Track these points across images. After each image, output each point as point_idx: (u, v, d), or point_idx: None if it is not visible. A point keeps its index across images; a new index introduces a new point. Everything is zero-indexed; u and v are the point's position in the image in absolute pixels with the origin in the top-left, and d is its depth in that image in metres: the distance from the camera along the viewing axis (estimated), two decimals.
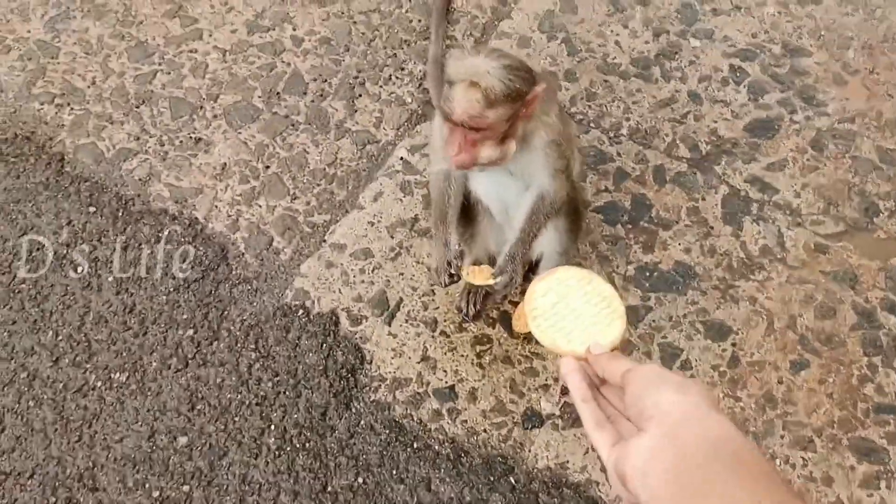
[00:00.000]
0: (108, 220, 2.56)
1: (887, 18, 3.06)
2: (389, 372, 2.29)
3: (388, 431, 2.19)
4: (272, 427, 2.19)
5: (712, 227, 2.55)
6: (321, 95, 2.86)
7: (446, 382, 2.28)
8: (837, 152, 2.72)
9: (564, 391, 2.20)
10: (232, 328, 2.36)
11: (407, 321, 2.38)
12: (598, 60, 2.94)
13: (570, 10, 3.08)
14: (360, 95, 2.87)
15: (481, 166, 1.90)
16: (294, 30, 3.04)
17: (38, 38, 3.02)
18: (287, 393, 2.24)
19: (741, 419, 2.21)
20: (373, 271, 2.48)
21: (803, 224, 2.56)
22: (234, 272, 2.47)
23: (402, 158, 2.71)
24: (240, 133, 2.77)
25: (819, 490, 2.11)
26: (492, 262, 2.30)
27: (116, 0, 3.13)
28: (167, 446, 2.17)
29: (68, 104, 2.84)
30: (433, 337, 2.35)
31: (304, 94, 2.87)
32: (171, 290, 2.43)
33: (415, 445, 2.17)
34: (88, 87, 2.89)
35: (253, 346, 2.32)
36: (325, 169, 2.70)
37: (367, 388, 2.26)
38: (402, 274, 2.47)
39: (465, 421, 2.22)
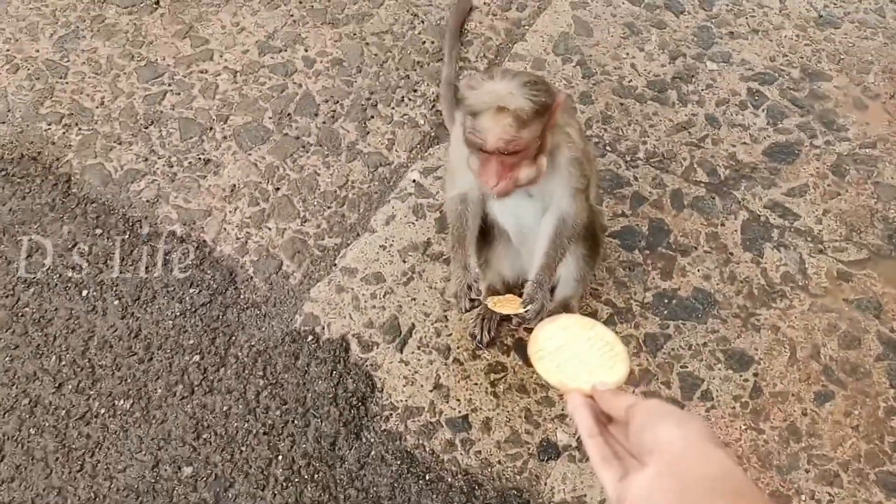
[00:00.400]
0: (114, 243, 2.51)
1: None
2: (401, 400, 2.23)
3: (399, 462, 2.13)
4: (280, 457, 2.13)
5: (732, 254, 2.49)
6: (333, 117, 2.82)
7: (460, 412, 2.21)
8: (859, 178, 2.66)
9: None
10: (239, 354, 2.30)
11: (419, 348, 2.32)
12: (614, 83, 2.90)
13: (585, 33, 3.04)
14: (373, 117, 2.83)
15: (520, 188, 1.85)
16: (306, 51, 3.00)
17: (47, 58, 2.99)
18: (295, 422, 2.18)
19: (764, 452, 2.14)
20: (384, 296, 2.42)
21: (825, 251, 2.50)
22: (242, 296, 2.42)
23: (414, 181, 2.66)
24: (250, 154, 2.73)
25: None
26: (507, 288, 2.25)
27: (126, 20, 3.10)
28: (171, 476, 2.10)
29: (76, 124, 2.80)
30: (446, 364, 2.29)
31: (316, 115, 2.83)
32: (178, 314, 2.37)
33: (427, 477, 2.11)
34: (97, 107, 2.85)
35: (261, 373, 2.26)
36: (336, 191, 2.65)
37: (378, 417, 2.20)
38: (414, 299, 2.41)
39: (479, 452, 2.15)
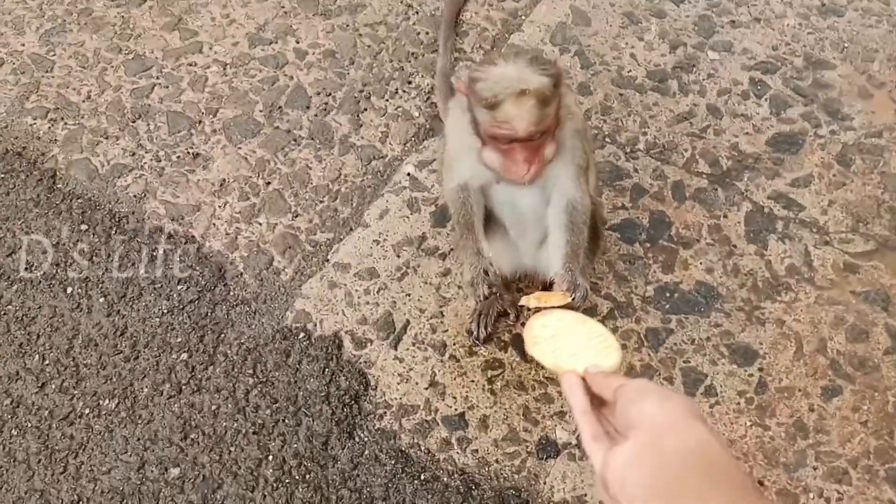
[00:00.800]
0: (100, 239, 2.45)
1: None
2: (395, 398, 2.17)
3: (393, 462, 2.07)
4: (270, 457, 2.06)
5: (735, 246, 2.43)
6: (325, 109, 2.76)
7: (456, 410, 2.15)
8: (865, 167, 2.59)
9: None
10: (229, 352, 2.24)
11: (414, 344, 2.26)
12: (613, 73, 2.84)
13: (583, 23, 2.98)
14: (366, 109, 2.77)
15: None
16: (297, 42, 2.94)
17: (33, 52, 2.93)
18: (286, 421, 2.12)
19: (770, 449, 2.08)
20: (378, 292, 2.36)
21: (831, 242, 2.44)
22: (231, 293, 2.36)
23: (409, 174, 2.60)
24: (240, 148, 2.66)
25: None
26: (505, 283, 2.19)
27: (114, 13, 3.04)
28: (158, 478, 2.04)
29: (62, 119, 2.74)
30: (442, 361, 2.23)
31: (307, 108, 2.76)
32: (165, 311, 2.31)
33: (422, 477, 2.05)
34: (83, 101, 2.79)
35: (251, 371, 2.20)
36: (328, 185, 2.58)
37: (372, 415, 2.14)
38: (408, 295, 2.35)
39: (476, 451, 2.09)
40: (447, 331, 2.28)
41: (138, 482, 2.03)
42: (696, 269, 2.39)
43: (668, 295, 2.34)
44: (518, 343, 2.25)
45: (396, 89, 2.82)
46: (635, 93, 2.79)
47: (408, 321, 2.30)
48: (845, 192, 2.55)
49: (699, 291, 2.35)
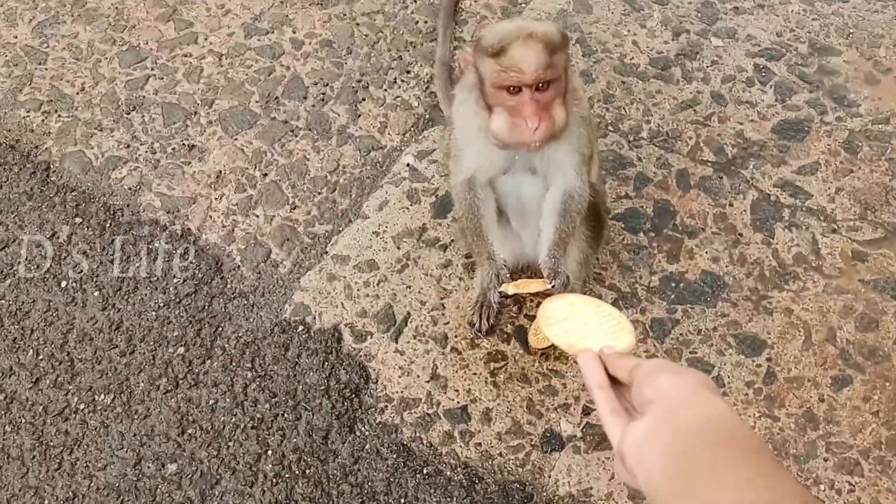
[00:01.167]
0: (95, 232, 2.41)
1: None
2: (396, 392, 2.13)
3: (395, 456, 2.03)
4: (269, 452, 2.02)
5: (741, 235, 2.39)
6: (322, 100, 2.72)
7: (458, 402, 2.11)
8: (872, 154, 2.55)
9: (586, 411, 2.05)
10: (226, 346, 2.20)
11: (415, 337, 2.22)
12: (615, 61, 2.79)
13: (585, 10, 2.94)
14: (364, 100, 2.72)
15: (550, 141, 1.77)
16: (294, 32, 2.90)
17: (26, 44, 2.88)
18: (286, 415, 2.08)
19: (780, 441, 2.03)
20: (378, 284, 2.31)
21: (839, 230, 2.39)
22: (229, 286, 2.32)
23: (408, 165, 2.55)
24: (236, 139, 2.62)
25: None
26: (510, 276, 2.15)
27: (108, 4, 3.00)
28: (155, 474, 2.00)
29: (56, 111, 2.70)
30: (443, 354, 2.19)
31: (305, 98, 2.72)
32: (162, 305, 2.27)
33: (424, 471, 2.01)
34: (77, 93, 2.75)
35: (249, 365, 2.16)
36: (326, 176, 2.54)
37: (373, 409, 2.10)
38: (409, 287, 2.30)
39: (479, 444, 2.05)
40: (448, 323, 2.24)
41: (135, 478, 1.99)
42: (702, 258, 2.35)
43: (673, 285, 2.30)
44: (521, 335, 2.21)
45: (395, 79, 2.78)
46: (638, 80, 2.74)
47: (408, 313, 2.26)
48: (852, 179, 2.50)
49: (705, 281, 2.31)
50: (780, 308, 2.25)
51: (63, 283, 2.31)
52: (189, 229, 2.43)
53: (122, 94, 2.74)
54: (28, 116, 2.69)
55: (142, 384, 2.13)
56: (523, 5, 2.97)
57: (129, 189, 2.51)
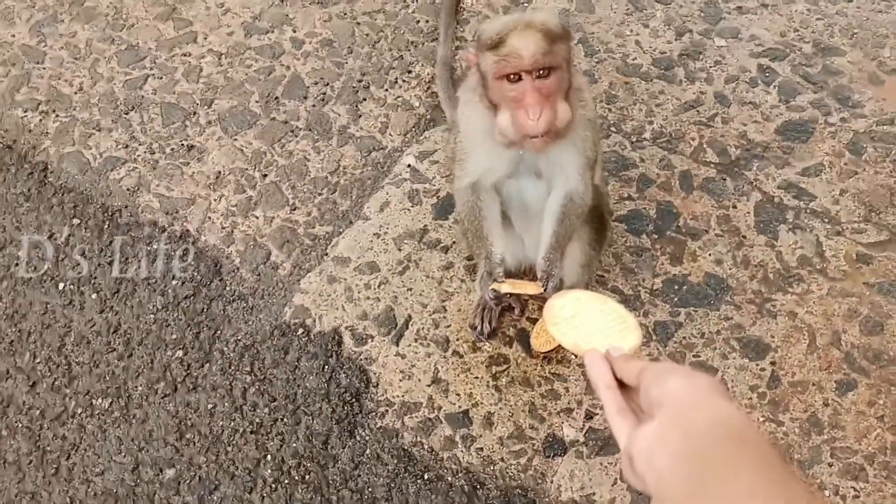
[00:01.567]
0: (93, 233, 2.40)
1: None
2: (397, 396, 2.11)
3: (395, 461, 2.02)
4: (268, 457, 2.02)
5: (745, 237, 2.37)
6: (323, 100, 2.70)
7: (460, 407, 2.10)
8: (877, 156, 2.53)
9: (589, 415, 2.04)
10: (225, 349, 2.19)
11: (416, 340, 2.21)
12: (618, 61, 2.77)
13: (587, 10, 2.92)
14: (365, 100, 2.70)
15: (555, 138, 1.75)
16: (294, 31, 2.88)
17: (23, 43, 2.87)
18: (285, 420, 2.07)
19: (784, 445, 2.02)
20: (379, 287, 2.30)
21: (843, 232, 2.37)
22: (228, 288, 2.31)
23: (409, 166, 2.54)
24: (235, 140, 2.61)
25: None
26: (509, 276, 2.13)
27: (107, 3, 2.98)
28: (153, 479, 2.00)
29: (53, 111, 2.69)
30: (445, 357, 2.17)
31: (305, 98, 2.70)
32: (160, 308, 2.26)
33: (426, 476, 2.00)
34: (75, 93, 2.73)
35: (248, 369, 2.15)
36: (326, 177, 2.52)
37: (373, 413, 2.09)
38: (410, 289, 2.29)
39: (481, 449, 2.04)
40: (450, 326, 2.23)
41: (132, 484, 1.99)
42: (705, 260, 2.33)
43: (676, 287, 2.28)
44: (523, 338, 2.20)
45: (396, 79, 2.76)
46: (641, 81, 2.72)
47: (409, 316, 2.25)
48: (857, 180, 2.48)
49: (708, 284, 2.29)
50: (784, 311, 2.23)
51: (61, 286, 2.29)
52: (188, 230, 2.42)
53: (121, 94, 2.72)
54: (25, 116, 2.67)
55: (140, 388, 2.12)
56: (525, 5, 2.95)
57: (128, 190, 2.50)
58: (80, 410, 2.09)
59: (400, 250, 2.37)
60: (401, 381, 2.14)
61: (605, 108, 2.65)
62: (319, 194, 2.49)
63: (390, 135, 2.63)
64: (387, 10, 2.95)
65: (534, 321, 2.22)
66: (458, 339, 2.21)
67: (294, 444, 2.03)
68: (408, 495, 1.96)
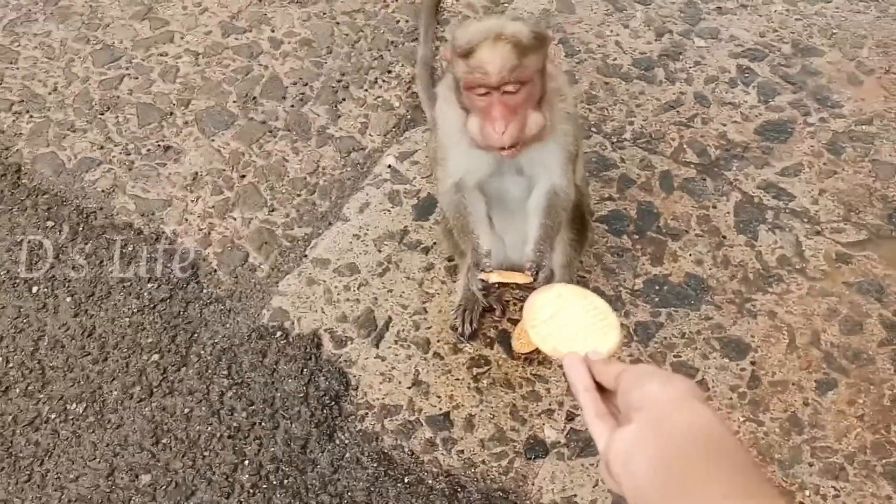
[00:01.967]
0: (67, 236, 2.36)
1: None
2: (377, 399, 2.09)
3: (375, 465, 1.99)
4: (246, 462, 1.99)
5: (725, 237, 2.37)
6: (301, 100, 2.68)
7: (440, 409, 2.08)
8: (856, 155, 2.54)
9: (570, 416, 2.02)
10: (202, 352, 2.16)
11: (396, 342, 2.19)
12: (598, 62, 2.77)
13: (567, 10, 2.91)
14: (344, 100, 2.68)
15: (526, 146, 1.74)
16: (272, 31, 2.86)
17: None
18: (263, 424, 2.04)
19: (765, 445, 2.02)
20: (359, 288, 2.28)
21: (823, 232, 2.38)
22: (204, 291, 2.28)
23: (389, 166, 2.52)
24: (213, 140, 2.58)
25: None
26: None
27: (82, 2, 2.95)
28: (128, 485, 1.96)
29: (27, 111, 2.65)
30: (425, 359, 2.16)
31: (283, 98, 2.68)
32: (135, 311, 2.22)
33: (406, 480, 1.98)
34: (49, 93, 2.69)
35: (225, 373, 2.12)
36: (305, 178, 2.50)
37: (353, 416, 2.06)
38: (390, 291, 2.27)
39: (462, 451, 2.02)
40: (431, 327, 2.21)
41: (107, 490, 1.95)
42: (686, 260, 2.33)
43: (657, 288, 2.28)
44: (504, 339, 2.19)
45: (376, 79, 2.74)
46: (621, 81, 2.72)
47: (390, 318, 2.23)
48: (836, 180, 2.49)
49: (689, 284, 2.29)
50: (763, 311, 2.24)
51: (34, 289, 2.26)
52: (164, 232, 2.39)
53: (96, 95, 2.69)
54: None
55: (115, 392, 2.09)
56: (506, 5, 2.94)
57: (103, 191, 2.46)
58: (53, 416, 2.05)
59: (380, 251, 2.35)
60: (381, 383, 2.12)
61: (586, 108, 2.65)
62: (298, 195, 2.47)
63: (370, 135, 2.61)
64: (366, 9, 2.93)
65: (515, 322, 2.21)
66: (438, 341, 2.19)
67: (272, 449, 2.00)
68: (388, 499, 1.94)
